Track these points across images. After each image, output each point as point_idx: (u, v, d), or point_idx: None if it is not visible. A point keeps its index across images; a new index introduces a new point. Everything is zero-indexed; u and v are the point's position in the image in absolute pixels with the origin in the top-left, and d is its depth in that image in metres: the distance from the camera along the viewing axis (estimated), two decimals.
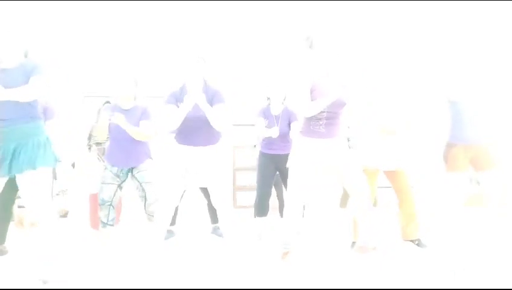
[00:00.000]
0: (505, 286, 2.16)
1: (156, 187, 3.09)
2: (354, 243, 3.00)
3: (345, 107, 2.67)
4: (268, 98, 3.66)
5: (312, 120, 2.62)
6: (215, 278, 2.40)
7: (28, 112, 2.24)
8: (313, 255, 2.91)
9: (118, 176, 3.05)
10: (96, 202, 3.93)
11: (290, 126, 3.55)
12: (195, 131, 2.77)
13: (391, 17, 5.47)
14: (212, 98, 2.80)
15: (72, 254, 3.02)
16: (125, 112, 3.08)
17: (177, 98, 2.79)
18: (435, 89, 3.23)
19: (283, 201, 3.67)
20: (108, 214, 3.04)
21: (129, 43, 5.54)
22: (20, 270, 2.59)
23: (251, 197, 3.83)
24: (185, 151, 2.81)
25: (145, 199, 3.05)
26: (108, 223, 3.06)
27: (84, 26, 5.27)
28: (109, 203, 3.03)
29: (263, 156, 3.58)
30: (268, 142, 3.56)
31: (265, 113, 3.61)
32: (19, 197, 3.04)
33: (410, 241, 3.12)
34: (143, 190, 3.05)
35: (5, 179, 2.28)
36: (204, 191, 3.73)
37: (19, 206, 5.08)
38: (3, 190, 2.89)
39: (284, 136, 3.53)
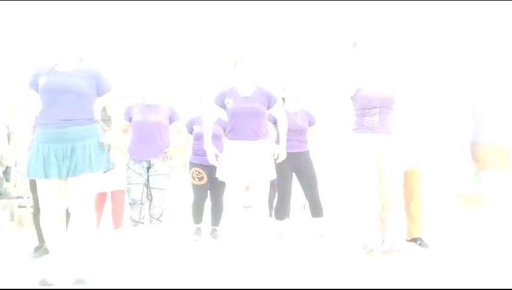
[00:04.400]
0: (505, 286, 2.16)
1: (165, 193, 3.12)
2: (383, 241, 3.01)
3: (395, 103, 2.69)
4: (283, 99, 3.64)
5: (366, 116, 2.66)
6: (223, 279, 2.40)
7: (86, 114, 2.27)
8: (315, 255, 2.91)
9: (141, 174, 3.07)
10: (101, 201, 3.95)
11: (308, 125, 3.57)
12: (245, 125, 2.80)
13: (407, 18, 5.47)
14: (269, 101, 2.88)
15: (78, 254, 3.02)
16: (149, 107, 3.15)
17: (225, 97, 2.86)
18: (454, 90, 3.20)
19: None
20: (140, 212, 3.07)
21: (141, 43, 5.56)
22: (20, 271, 2.59)
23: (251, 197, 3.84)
24: (237, 146, 2.81)
25: (151, 201, 3.08)
26: (140, 221, 3.08)
27: (96, 26, 5.25)
28: (140, 201, 3.05)
29: None
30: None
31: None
32: (21, 197, 3.05)
33: (413, 241, 3.13)
34: (150, 193, 3.08)
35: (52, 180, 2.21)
36: (213, 191, 3.77)
37: (19, 206, 5.10)
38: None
39: (302, 134, 3.53)
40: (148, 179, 3.09)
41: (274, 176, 2.88)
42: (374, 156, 2.64)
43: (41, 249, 2.98)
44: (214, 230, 3.81)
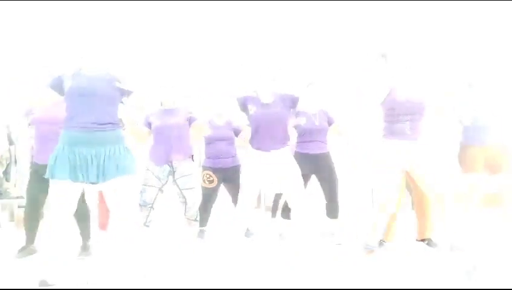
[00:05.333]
0: (505, 286, 2.16)
1: (197, 192, 3.14)
2: (382, 241, 3.02)
3: (426, 110, 2.63)
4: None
5: (397, 122, 2.60)
6: (223, 279, 2.40)
7: (112, 119, 2.29)
8: (315, 255, 2.91)
9: (159, 178, 3.07)
10: (104, 202, 3.95)
11: (328, 125, 3.56)
12: (267, 132, 2.79)
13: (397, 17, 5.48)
14: (291, 102, 2.87)
15: (77, 255, 3.02)
16: (167, 111, 3.19)
17: (248, 102, 2.86)
18: (448, 90, 3.18)
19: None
20: (148, 215, 3.06)
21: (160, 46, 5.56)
22: (20, 271, 2.60)
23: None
24: (261, 156, 2.80)
25: (185, 203, 3.09)
26: (146, 224, 3.08)
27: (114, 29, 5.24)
28: (150, 205, 3.05)
29: (299, 157, 3.38)
30: (304, 141, 3.49)
31: (300, 112, 3.53)
32: (22, 197, 3.06)
33: (422, 241, 3.14)
34: (183, 196, 3.09)
35: (61, 183, 2.19)
36: (233, 193, 3.79)
37: (19, 206, 5.10)
38: (32, 191, 2.95)
39: (322, 134, 3.51)
40: (175, 182, 3.10)
41: (301, 181, 2.86)
42: (401, 166, 2.58)
43: (26, 249, 2.97)
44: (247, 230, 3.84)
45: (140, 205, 3.04)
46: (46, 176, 2.22)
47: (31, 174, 3.03)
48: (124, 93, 2.34)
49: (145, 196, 3.04)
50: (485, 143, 3.11)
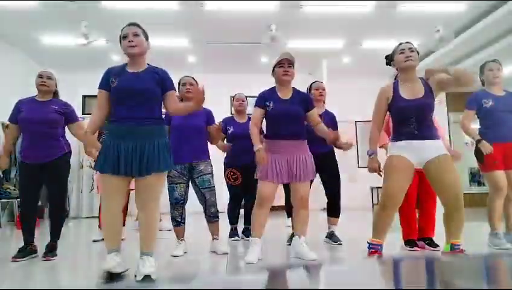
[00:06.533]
0: (502, 286, 2.16)
1: (215, 191, 3.12)
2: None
3: (431, 112, 2.55)
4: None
5: (403, 124, 2.55)
6: (222, 279, 2.40)
7: (155, 114, 2.31)
8: (315, 255, 2.91)
9: (183, 174, 3.07)
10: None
11: (332, 128, 3.52)
12: (285, 127, 2.80)
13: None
14: (307, 104, 2.87)
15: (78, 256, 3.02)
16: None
17: (266, 99, 2.85)
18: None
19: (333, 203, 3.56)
20: (182, 212, 3.07)
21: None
22: (20, 271, 2.60)
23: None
24: (277, 146, 2.80)
25: (205, 202, 3.09)
26: (182, 221, 3.09)
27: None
28: (182, 201, 3.06)
29: None
30: (308, 140, 3.51)
31: None
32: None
33: (422, 239, 3.14)
34: (202, 195, 3.09)
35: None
36: (246, 191, 3.80)
37: (19, 206, 5.11)
38: (28, 190, 2.96)
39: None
40: (194, 181, 3.10)
41: (314, 176, 2.86)
42: (410, 166, 2.52)
43: (26, 250, 2.95)
44: (248, 229, 3.83)
45: (172, 204, 3.04)
46: (94, 169, 2.27)
47: (21, 174, 3.03)
48: (164, 89, 2.36)
49: (176, 194, 3.04)
50: (501, 140, 3.10)
